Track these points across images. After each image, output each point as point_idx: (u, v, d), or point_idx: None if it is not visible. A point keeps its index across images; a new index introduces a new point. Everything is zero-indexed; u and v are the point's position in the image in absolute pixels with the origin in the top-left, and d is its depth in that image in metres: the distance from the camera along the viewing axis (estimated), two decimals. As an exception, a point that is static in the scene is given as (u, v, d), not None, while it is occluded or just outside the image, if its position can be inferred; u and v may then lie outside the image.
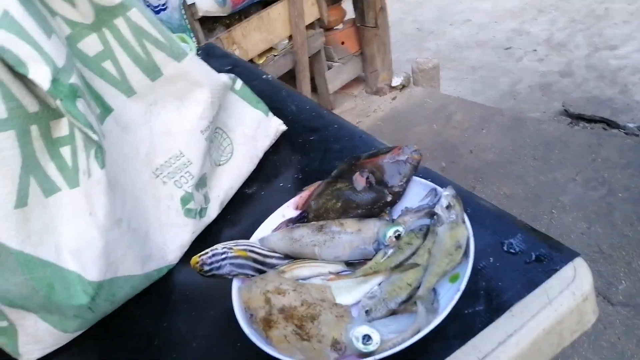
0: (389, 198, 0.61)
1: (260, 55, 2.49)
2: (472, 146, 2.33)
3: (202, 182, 0.70)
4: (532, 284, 0.49)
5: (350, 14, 2.86)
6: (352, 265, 0.58)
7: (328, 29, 2.79)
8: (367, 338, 0.47)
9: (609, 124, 2.56)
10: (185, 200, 0.68)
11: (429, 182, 0.62)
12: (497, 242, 0.55)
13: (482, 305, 0.49)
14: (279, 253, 0.62)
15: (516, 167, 2.14)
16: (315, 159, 0.80)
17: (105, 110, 0.61)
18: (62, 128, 0.55)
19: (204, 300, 0.63)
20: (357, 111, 2.86)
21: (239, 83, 0.79)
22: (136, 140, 0.64)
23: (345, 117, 2.78)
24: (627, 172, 1.96)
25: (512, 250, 0.53)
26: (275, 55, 2.52)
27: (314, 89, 2.90)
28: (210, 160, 0.71)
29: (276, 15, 2.40)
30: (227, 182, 0.75)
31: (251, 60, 2.37)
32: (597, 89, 2.93)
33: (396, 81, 2.84)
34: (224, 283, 0.59)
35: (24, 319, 0.58)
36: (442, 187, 0.60)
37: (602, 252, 1.69)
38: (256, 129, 0.79)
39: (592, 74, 3.07)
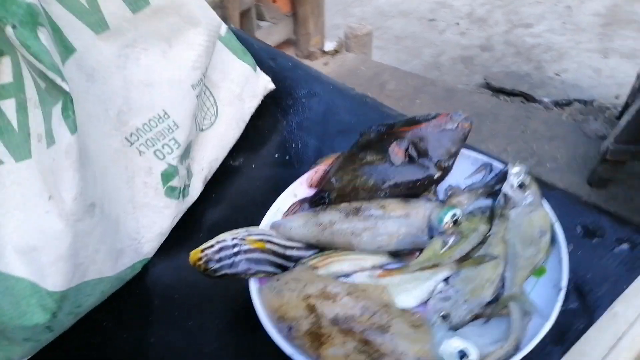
0: (437, 175, 0.51)
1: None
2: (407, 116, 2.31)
3: (186, 153, 0.54)
4: (627, 275, 0.42)
5: (281, -31, 2.66)
6: (397, 256, 0.48)
7: (258, -16, 2.57)
8: (463, 354, 0.37)
9: (527, 97, 2.69)
10: (167, 175, 0.51)
11: (479, 155, 0.53)
12: (571, 226, 0.47)
13: (575, 303, 0.42)
14: (300, 243, 0.49)
15: (452, 138, 2.16)
16: (313, 123, 0.67)
17: (65, 50, 0.42)
18: (3, 71, 0.37)
19: (200, 305, 0.49)
20: (287, 76, 2.70)
21: (223, 27, 0.62)
22: (105, 94, 0.46)
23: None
24: (553, 143, 2.06)
25: (590, 235, 0.46)
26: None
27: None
28: (196, 123, 0.55)
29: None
30: (211, 151, 0.59)
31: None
32: (514, 65, 3.07)
33: (329, 46, 2.72)
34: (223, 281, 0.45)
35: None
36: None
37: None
38: (243, 87, 0.64)
39: (509, 50, 3.21)
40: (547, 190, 0.51)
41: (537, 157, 2.01)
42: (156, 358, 0.45)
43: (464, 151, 0.53)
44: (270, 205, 0.53)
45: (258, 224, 0.50)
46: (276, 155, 0.63)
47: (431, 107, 2.35)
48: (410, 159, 0.51)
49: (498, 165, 0.51)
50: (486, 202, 0.48)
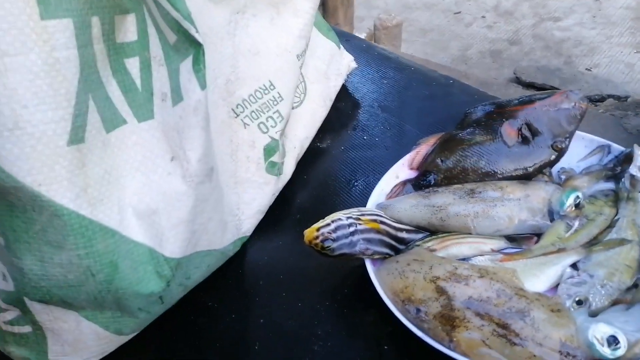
0: (553, 156, 0.48)
1: None
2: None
3: (284, 127, 0.52)
4: None
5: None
6: (515, 240, 0.46)
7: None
8: (613, 340, 0.35)
9: (558, 93, 2.65)
10: (269, 150, 0.50)
11: (594, 137, 0.50)
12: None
13: None
14: (409, 225, 0.47)
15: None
16: (398, 110, 0.65)
17: (178, 12, 0.40)
18: (127, 29, 0.35)
19: (308, 286, 0.47)
20: (315, 66, 2.67)
21: (309, 1, 0.60)
22: (215, 62, 0.44)
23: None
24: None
25: None
26: None
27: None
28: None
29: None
30: (302, 130, 0.57)
31: None
32: (544, 59, 3.02)
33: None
34: (321, 261, 0.44)
35: (60, 319, 0.39)
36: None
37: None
38: (329, 64, 0.62)
39: (538, 44, 3.15)
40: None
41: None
42: (267, 340, 0.43)
43: (577, 132, 0.51)
44: (361, 187, 0.52)
45: (349, 206, 0.48)
46: (364, 138, 0.61)
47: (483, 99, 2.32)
48: (524, 140, 0.49)
49: (617, 147, 0.49)
50: (608, 184, 0.46)
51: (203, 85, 0.36)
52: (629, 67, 2.85)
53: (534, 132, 0.49)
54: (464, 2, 3.68)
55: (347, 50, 0.72)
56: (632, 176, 0.44)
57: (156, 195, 0.38)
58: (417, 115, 0.64)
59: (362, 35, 2.71)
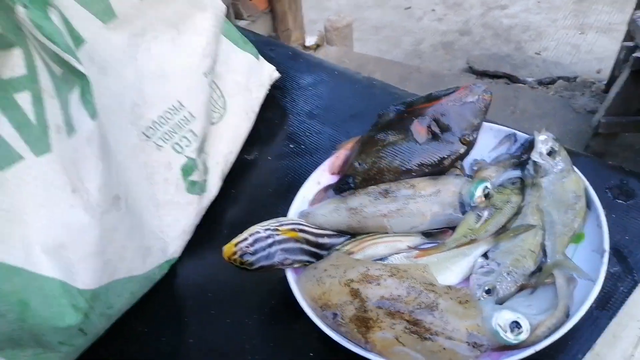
0: (462, 149, 0.50)
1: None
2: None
3: (202, 146, 0.53)
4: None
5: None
6: (431, 235, 0.47)
7: (232, -18, 2.54)
8: (515, 325, 0.36)
9: (511, 78, 2.72)
10: (187, 169, 0.50)
11: (502, 127, 0.52)
12: (601, 190, 0.47)
13: (616, 266, 0.42)
14: (331, 230, 0.48)
15: (441, 123, 2.16)
16: (320, 107, 0.66)
17: (75, 40, 0.40)
18: (15, 63, 0.35)
19: (235, 301, 0.47)
20: (271, 73, 2.68)
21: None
22: (119, 87, 0.44)
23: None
24: (543, 121, 2.08)
25: (622, 197, 0.46)
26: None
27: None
28: (208, 116, 0.54)
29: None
30: (225, 145, 0.58)
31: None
32: (494, 47, 3.09)
33: (310, 40, 2.70)
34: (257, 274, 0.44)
35: (-28, 366, 0.38)
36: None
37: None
38: (248, 77, 0.62)
39: (488, 32, 3.23)
40: (572, 157, 0.51)
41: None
42: (198, 359, 0.43)
43: (485, 124, 0.52)
44: (291, 196, 0.52)
45: (280, 216, 0.48)
46: (291, 146, 0.62)
47: (420, 94, 2.35)
48: (434, 136, 0.51)
49: (522, 135, 0.51)
50: (515, 172, 0.48)
51: (93, 115, 0.36)
52: (575, 48, 2.94)
53: (443, 128, 0.51)
54: (414, -3, 3.74)
55: (274, 59, 0.73)
56: (534, 162, 0.46)
57: (61, 228, 0.37)
58: (342, 119, 0.65)
59: (314, 38, 2.73)
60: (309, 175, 0.53)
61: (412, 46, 3.25)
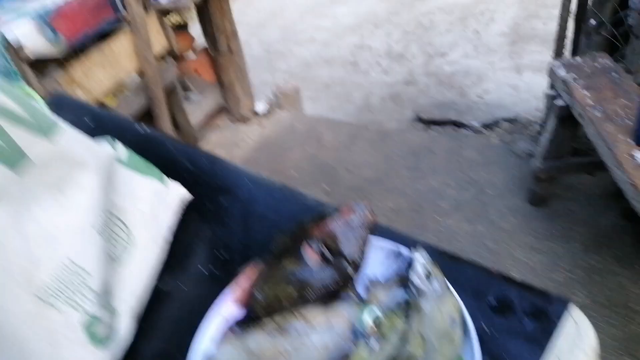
0: (351, 272, 0.52)
1: (110, 97, 2.21)
2: (348, 165, 2.36)
3: (105, 294, 0.53)
4: (538, 349, 0.44)
5: (198, 40, 2.71)
6: (328, 366, 0.48)
7: (179, 58, 2.61)
8: None
9: (457, 124, 2.83)
10: (90, 325, 0.49)
11: (390, 244, 0.54)
12: (482, 302, 0.49)
13: (497, 388, 0.43)
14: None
15: (393, 179, 2.22)
16: (236, 228, 0.68)
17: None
18: None
19: None
20: (226, 142, 2.72)
21: (121, 149, 0.62)
22: (6, 258, 0.44)
23: (215, 151, 2.60)
24: (488, 169, 2.15)
25: (500, 311, 0.48)
26: (125, 94, 2.26)
27: (175, 125, 2.69)
28: (107, 260, 0.54)
29: (119, 47, 2.14)
30: (134, 282, 0.58)
31: (101, 104, 2.08)
32: (439, 94, 3.23)
33: (259, 107, 2.76)
34: None
35: None
36: (401, 243, 0.53)
37: (489, 249, 1.82)
38: (154, 204, 0.63)
39: (432, 80, 3.38)
40: (457, 264, 0.53)
41: (477, 186, 2.09)
42: None
43: (373, 240, 0.54)
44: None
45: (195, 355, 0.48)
46: (206, 273, 0.63)
47: (368, 152, 2.42)
48: (324, 259, 0.52)
49: (405, 252, 0.53)
50: (401, 293, 0.50)
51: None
52: (514, 88, 3.10)
53: (333, 251, 0.52)
54: (359, 52, 3.90)
55: (190, 172, 0.74)
56: (414, 286, 0.48)
57: None
58: (258, 233, 0.66)
59: (263, 103, 2.80)
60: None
61: (362, 100, 3.36)
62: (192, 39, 2.69)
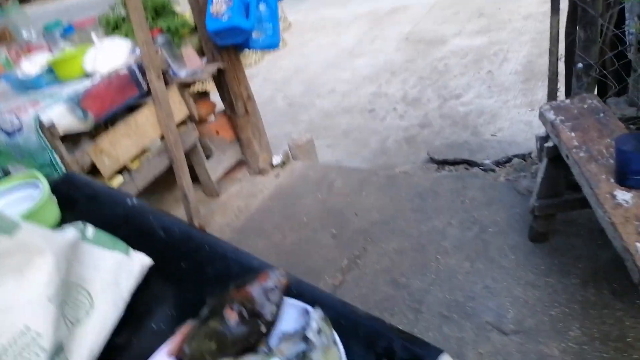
0: (264, 329, 0.61)
1: (133, 160, 2.43)
2: (356, 209, 2.45)
3: (58, 351, 0.64)
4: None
5: (220, 105, 2.93)
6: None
7: (201, 121, 2.83)
8: None
9: (470, 163, 2.86)
10: (42, 379, 0.61)
11: (299, 303, 0.63)
12: (371, 351, 0.57)
13: None
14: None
15: (399, 222, 2.28)
16: (189, 289, 0.78)
17: None
18: None
19: None
20: (244, 193, 2.87)
21: (90, 231, 0.76)
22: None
23: (233, 201, 2.76)
24: (491, 208, 2.18)
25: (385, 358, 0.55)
26: (148, 157, 2.47)
27: (197, 179, 2.88)
28: (65, 322, 0.66)
29: (143, 119, 2.37)
30: (90, 340, 0.69)
31: (125, 168, 2.29)
32: (453, 135, 3.29)
33: (276, 160, 2.92)
34: None
35: None
36: (314, 302, 0.62)
37: (488, 287, 1.83)
38: (117, 273, 0.75)
39: (446, 122, 3.45)
40: (356, 317, 0.61)
41: (479, 225, 2.12)
42: None
43: (289, 300, 0.63)
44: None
45: None
46: (155, 328, 0.73)
47: (376, 196, 2.50)
48: (243, 319, 0.62)
49: (310, 310, 0.61)
50: (301, 346, 0.58)
51: None
52: (527, 125, 3.12)
53: (250, 311, 0.62)
54: (376, 100, 4.05)
55: (162, 239, 0.86)
56: (307, 339, 0.56)
57: None
58: (203, 293, 0.76)
59: (279, 157, 2.95)
60: None
61: (378, 144, 3.47)
62: (213, 104, 2.91)
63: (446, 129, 3.38)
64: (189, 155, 2.70)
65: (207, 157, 2.83)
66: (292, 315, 0.63)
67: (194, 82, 2.66)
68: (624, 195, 1.33)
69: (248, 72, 5.55)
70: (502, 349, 1.61)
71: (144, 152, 2.46)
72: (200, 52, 2.69)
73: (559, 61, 1.96)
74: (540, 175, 1.80)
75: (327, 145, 3.66)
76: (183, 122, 2.61)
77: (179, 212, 2.80)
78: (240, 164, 3.05)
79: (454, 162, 2.95)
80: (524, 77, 3.62)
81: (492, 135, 3.20)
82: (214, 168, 2.83)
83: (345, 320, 0.60)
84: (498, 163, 2.78)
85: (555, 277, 1.78)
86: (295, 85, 4.80)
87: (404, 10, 5.87)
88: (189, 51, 2.55)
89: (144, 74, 2.29)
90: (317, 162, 3.05)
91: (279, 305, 0.62)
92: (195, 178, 2.89)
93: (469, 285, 1.86)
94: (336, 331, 0.59)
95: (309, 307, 0.62)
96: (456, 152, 3.01)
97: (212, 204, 2.88)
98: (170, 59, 2.50)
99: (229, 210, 2.77)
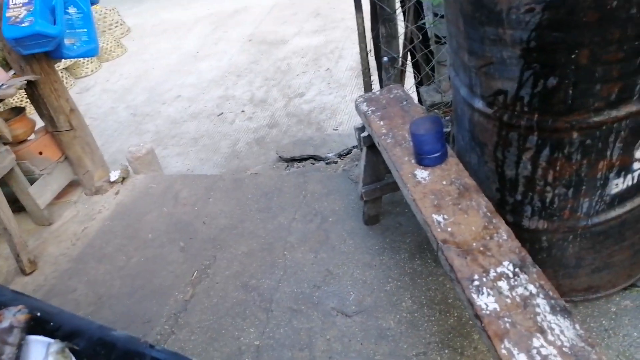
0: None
1: None
2: (204, 217, 2.39)
3: None
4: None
5: (40, 122, 2.64)
6: None
7: (18, 142, 2.51)
8: None
9: (315, 158, 2.98)
10: None
11: (43, 338, 0.58)
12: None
13: None
14: None
15: (247, 224, 2.28)
16: None
17: None
18: None
19: None
20: (81, 217, 2.63)
21: None
22: None
23: (69, 227, 2.53)
24: (330, 198, 2.29)
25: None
26: (-50, 190, 2.13)
27: (22, 209, 2.56)
28: None
29: None
30: None
31: None
32: (299, 132, 3.39)
33: (114, 175, 2.72)
34: None
35: None
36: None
37: (331, 273, 1.92)
38: None
39: (292, 120, 3.55)
40: (109, 339, 0.58)
41: (320, 216, 2.21)
42: None
43: (32, 338, 0.58)
44: None
45: None
46: None
47: (223, 201, 2.47)
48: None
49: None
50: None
51: None
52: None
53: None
54: (224, 103, 4.00)
55: None
56: None
57: None
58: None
59: (117, 172, 2.76)
60: None
61: (229, 148, 3.44)
62: (31, 122, 2.60)
63: (292, 127, 3.48)
64: (6, 182, 2.38)
65: (32, 181, 2.53)
66: (38, 352, 0.57)
67: (1, 99, 2.35)
68: (422, 174, 1.48)
69: (83, 82, 5.15)
70: (347, 331, 1.70)
71: (-58, 185, 2.12)
72: (6, 64, 2.38)
73: (369, 56, 2.12)
74: (362, 163, 1.93)
75: (177, 154, 3.52)
76: (-8, 146, 2.30)
77: (4, 248, 2.46)
78: (73, 184, 2.78)
79: (301, 159, 3.05)
80: (357, 73, 3.87)
81: (333, 129, 3.37)
82: (41, 193, 2.54)
83: (100, 347, 0.57)
84: (340, 155, 2.94)
85: (388, 254, 1.94)
86: (138, 93, 4.54)
87: (245, 11, 5.89)
88: (-12, 64, 2.24)
89: None
90: (161, 174, 2.91)
91: (18, 346, 0.56)
92: (21, 207, 2.57)
93: (314, 275, 1.93)
94: (92, 358, 0.55)
95: (51, 341, 0.57)
96: (302, 149, 3.10)
97: (44, 233, 2.58)
98: (-35, 75, 2.18)
99: (63, 238, 2.51)
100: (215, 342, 1.76)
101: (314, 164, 2.97)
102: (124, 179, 2.75)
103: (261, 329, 1.79)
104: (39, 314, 0.62)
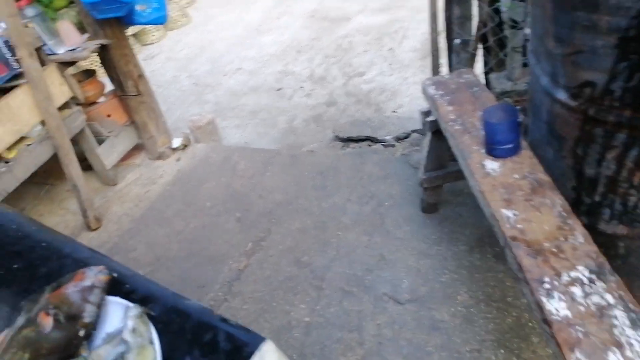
0: (82, 332, 0.56)
1: (10, 149, 2.20)
2: (260, 191, 2.42)
3: None
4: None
5: (110, 85, 2.74)
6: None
7: (89, 104, 2.62)
8: None
9: (372, 140, 2.93)
10: None
11: (121, 300, 0.59)
12: (195, 344, 0.54)
13: None
14: None
15: (301, 200, 2.28)
16: (20, 291, 0.71)
17: None
18: None
19: None
20: (143, 180, 2.73)
21: None
22: None
23: (132, 189, 2.62)
24: (387, 182, 2.25)
25: (208, 350, 0.53)
26: (29, 145, 2.25)
27: (89, 168, 2.69)
28: None
29: (18, 102, 2.15)
30: None
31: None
32: (358, 112, 3.34)
33: (176, 142, 2.80)
34: None
35: None
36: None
37: (384, 258, 1.89)
38: None
39: (351, 100, 3.49)
40: (184, 309, 0.58)
41: (376, 199, 2.17)
42: None
43: (111, 299, 0.59)
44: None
45: None
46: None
47: (280, 176, 2.48)
48: (59, 324, 0.57)
49: (132, 308, 0.58)
50: (120, 348, 0.54)
51: None
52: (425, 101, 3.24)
53: (66, 314, 0.57)
54: (283, 78, 3.99)
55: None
56: (123, 339, 0.53)
57: None
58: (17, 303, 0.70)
59: (179, 140, 2.83)
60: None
61: (286, 124, 3.44)
62: (102, 85, 2.70)
63: (351, 107, 3.43)
64: (77, 141, 2.50)
65: (100, 142, 2.64)
66: (116, 314, 0.59)
67: (75, 61, 2.44)
68: (492, 165, 1.41)
69: (149, 50, 5.29)
70: (398, 319, 1.68)
71: (22, 139, 2.25)
72: (81, 28, 2.47)
73: (439, 37, 2.03)
74: (425, 148, 1.87)
75: (235, 126, 3.57)
76: (67, 105, 2.40)
77: (73, 204, 2.60)
78: (137, 148, 2.88)
79: (358, 140, 3.01)
80: (421, 54, 3.74)
81: (393, 112, 3.28)
82: (108, 154, 2.65)
83: (174, 314, 0.57)
84: (398, 138, 2.87)
85: (445, 245, 1.88)
86: (201, 63, 4.61)
87: (310, -14, 5.81)
88: (66, 26, 2.33)
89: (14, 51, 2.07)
90: (220, 144, 2.96)
91: (99, 305, 0.58)
92: (89, 166, 2.70)
93: (367, 258, 1.91)
94: (163, 327, 0.56)
95: (130, 304, 0.58)
96: (360, 129, 3.06)
97: (109, 192, 2.70)
98: (45, 35, 2.28)
99: (127, 199, 2.62)
100: (266, 314, 1.78)
101: (370, 145, 2.92)
102: (185, 146, 2.82)
103: (312, 305, 1.80)
104: (115, 274, 0.63)
